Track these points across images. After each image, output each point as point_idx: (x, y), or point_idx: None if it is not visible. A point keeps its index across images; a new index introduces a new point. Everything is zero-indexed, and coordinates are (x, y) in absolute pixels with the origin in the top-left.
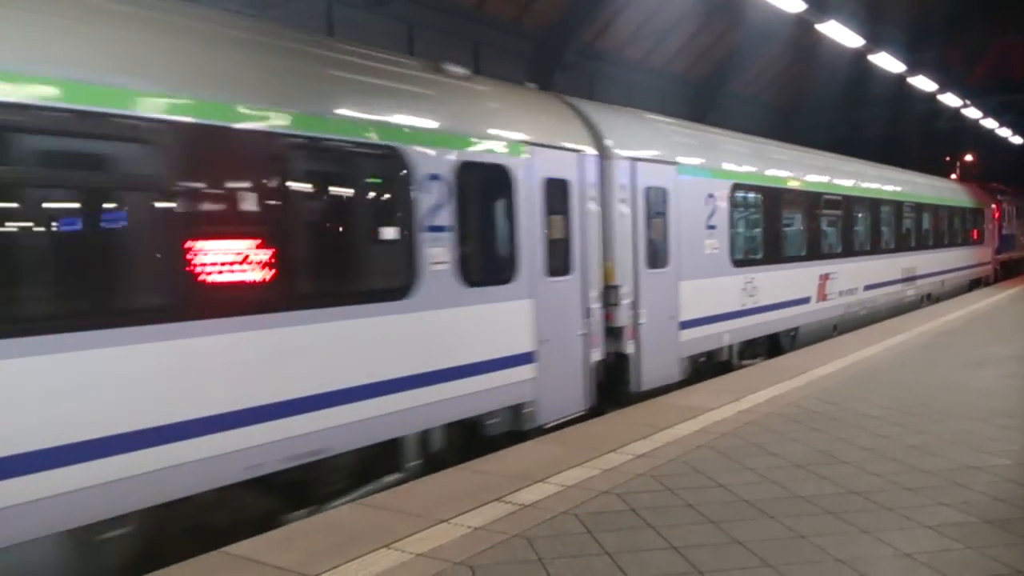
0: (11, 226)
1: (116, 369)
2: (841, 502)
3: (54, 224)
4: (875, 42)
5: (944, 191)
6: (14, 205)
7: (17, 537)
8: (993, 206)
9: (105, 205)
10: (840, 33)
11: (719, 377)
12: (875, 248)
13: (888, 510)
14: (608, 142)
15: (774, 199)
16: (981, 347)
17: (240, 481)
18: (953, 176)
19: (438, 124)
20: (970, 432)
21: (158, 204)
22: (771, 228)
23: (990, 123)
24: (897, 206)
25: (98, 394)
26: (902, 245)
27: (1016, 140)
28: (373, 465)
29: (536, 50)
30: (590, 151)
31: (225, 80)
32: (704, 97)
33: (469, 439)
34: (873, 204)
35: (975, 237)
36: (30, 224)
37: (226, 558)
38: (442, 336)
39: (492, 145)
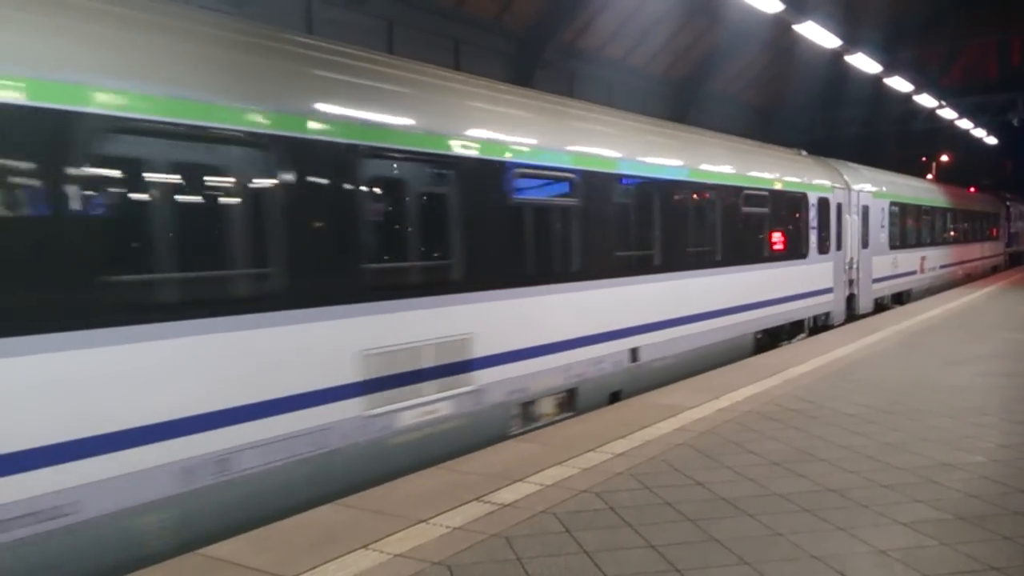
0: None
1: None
2: (817, 499)
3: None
4: (852, 43)
5: (975, 200)
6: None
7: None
8: (1005, 209)
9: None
10: (817, 34)
11: (697, 376)
12: (946, 242)
13: (864, 507)
14: (847, 180)
15: (905, 211)
16: (957, 345)
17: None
18: (929, 176)
19: (807, 181)
20: (945, 430)
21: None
22: (903, 227)
23: (965, 124)
24: (958, 212)
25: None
26: (958, 239)
27: (991, 140)
28: (789, 336)
29: (517, 49)
30: (843, 188)
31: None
32: (684, 97)
33: (811, 330)
34: (946, 212)
35: (994, 234)
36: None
37: (203, 560)
38: (814, 277)
39: (824, 189)
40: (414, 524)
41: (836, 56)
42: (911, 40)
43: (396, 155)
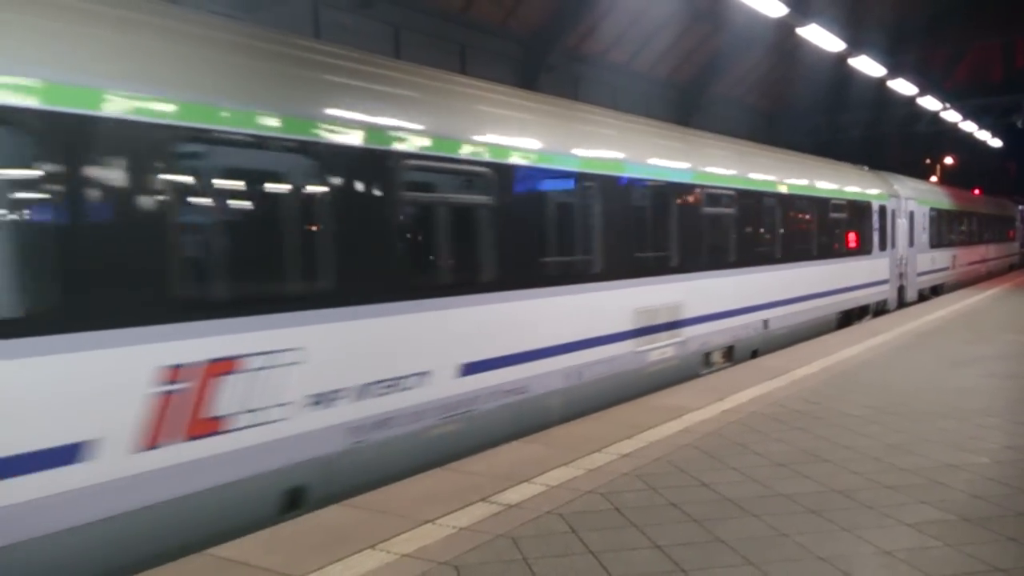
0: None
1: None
2: (823, 500)
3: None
4: (856, 46)
5: (995, 205)
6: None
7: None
8: (1019, 213)
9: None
10: (821, 37)
11: (704, 376)
12: (972, 242)
13: (868, 508)
14: (897, 190)
15: (941, 215)
16: (963, 346)
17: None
18: (934, 178)
19: (871, 192)
20: (950, 431)
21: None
22: (940, 229)
23: (969, 126)
24: (982, 217)
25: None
26: (982, 240)
27: (995, 143)
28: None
29: (522, 53)
30: (895, 196)
31: None
32: (688, 100)
33: (874, 313)
34: (972, 216)
35: (1011, 236)
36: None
37: (212, 560)
38: (876, 270)
39: (883, 198)
40: (421, 524)
41: (840, 59)
42: (915, 43)
43: (660, 186)
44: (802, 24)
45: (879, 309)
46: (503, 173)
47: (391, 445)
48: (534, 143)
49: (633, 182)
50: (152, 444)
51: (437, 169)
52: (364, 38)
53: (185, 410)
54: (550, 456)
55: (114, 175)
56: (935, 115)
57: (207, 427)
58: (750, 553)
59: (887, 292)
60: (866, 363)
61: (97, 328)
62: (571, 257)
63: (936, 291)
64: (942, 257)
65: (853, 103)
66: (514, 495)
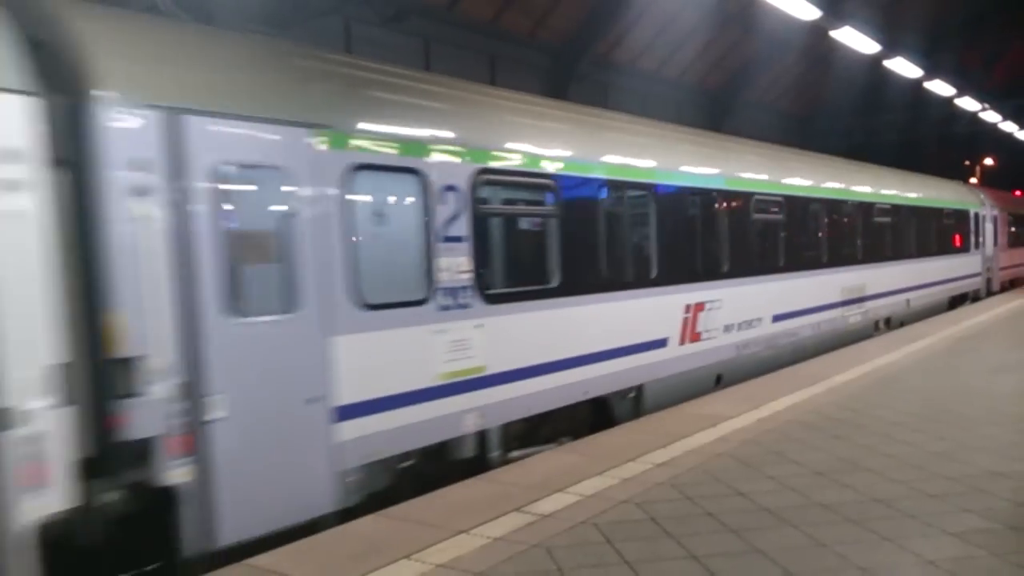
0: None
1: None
2: (863, 510)
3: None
4: (891, 47)
5: None
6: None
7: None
8: None
9: None
10: (855, 39)
11: (738, 385)
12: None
13: (911, 517)
14: (983, 199)
15: (1016, 219)
16: (1004, 352)
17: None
18: (973, 180)
19: (968, 200)
20: (993, 438)
21: None
22: (1015, 232)
23: (1009, 126)
24: None
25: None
26: None
27: None
28: (959, 302)
29: (551, 63)
30: (982, 204)
31: None
32: (719, 106)
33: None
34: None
35: None
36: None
37: (248, 570)
38: (972, 264)
39: (975, 206)
40: (455, 535)
41: (874, 61)
42: (952, 43)
43: (856, 204)
44: (836, 27)
45: (974, 296)
46: (788, 198)
47: (749, 357)
48: (803, 182)
49: (843, 204)
50: (682, 342)
51: (770, 198)
52: (395, 52)
53: (690, 326)
54: (584, 465)
55: (681, 211)
56: (974, 116)
57: (696, 336)
58: (789, 563)
59: (979, 283)
60: (906, 369)
61: (663, 284)
62: (814, 252)
63: (1013, 284)
64: (1019, 255)
65: (888, 105)
66: (548, 505)
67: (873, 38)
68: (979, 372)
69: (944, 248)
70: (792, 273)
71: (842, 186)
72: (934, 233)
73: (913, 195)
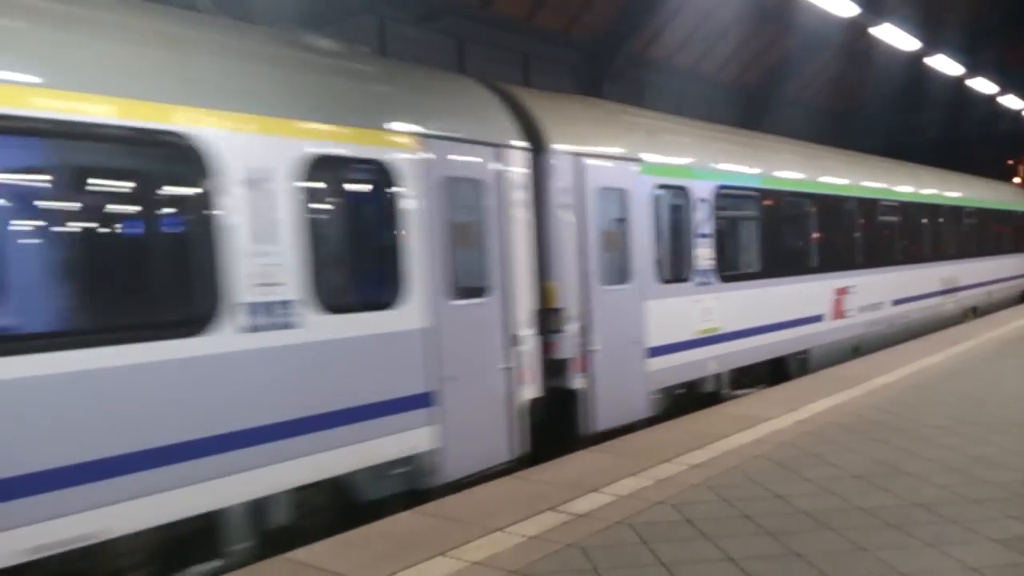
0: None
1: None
2: (904, 514)
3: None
4: (932, 44)
5: None
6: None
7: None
8: None
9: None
10: (895, 36)
11: (776, 387)
12: None
13: (953, 523)
14: None
15: None
16: None
17: None
18: (1017, 180)
19: (1000, 198)
20: None
21: None
22: None
23: None
24: None
25: None
26: None
27: None
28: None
29: (585, 61)
30: None
31: None
32: (756, 104)
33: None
34: None
35: None
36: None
37: (287, 564)
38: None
39: None
40: (490, 532)
41: (915, 58)
42: (994, 40)
43: (972, 210)
44: (875, 24)
45: None
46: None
47: (875, 333)
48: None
49: (940, 208)
50: (833, 319)
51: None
52: (428, 50)
53: (838, 305)
54: (619, 466)
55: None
56: (1017, 114)
57: (841, 314)
58: (829, 568)
59: None
60: (948, 372)
61: (821, 271)
62: (921, 248)
63: None
64: None
65: (929, 103)
66: (583, 504)
67: (913, 35)
68: (1021, 375)
69: (1019, 246)
70: (906, 266)
71: (936, 191)
72: (1010, 233)
73: (992, 199)
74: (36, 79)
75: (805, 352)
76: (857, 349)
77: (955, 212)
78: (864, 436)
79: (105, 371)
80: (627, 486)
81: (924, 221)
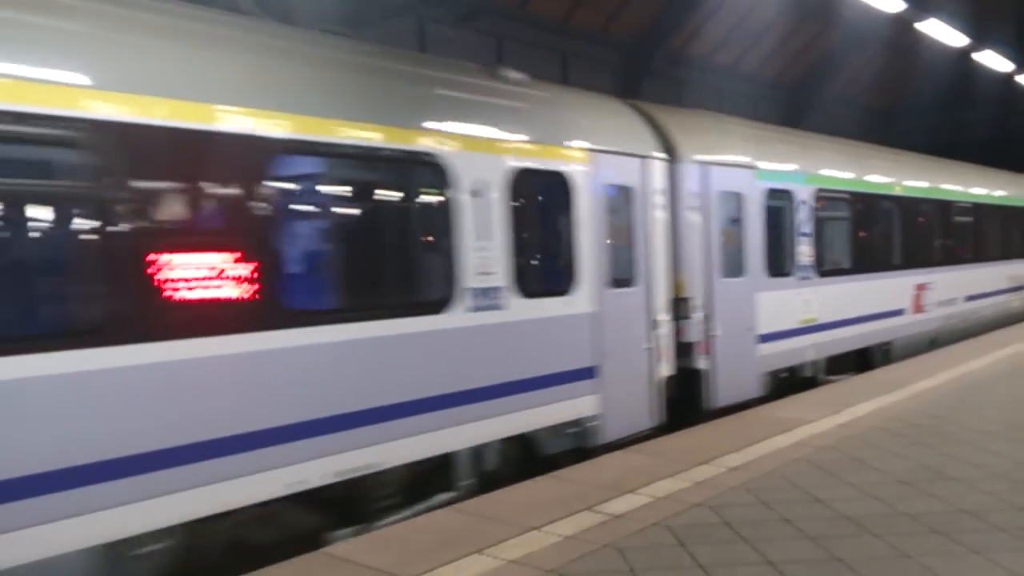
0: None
1: None
2: (950, 520)
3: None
4: (980, 40)
5: None
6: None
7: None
8: None
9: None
10: (942, 32)
11: (816, 389)
12: None
13: (1001, 530)
14: None
15: None
16: None
17: None
18: None
19: None
20: None
21: None
22: None
23: None
24: None
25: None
26: None
27: None
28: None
29: (624, 59)
30: None
31: None
32: (798, 101)
33: None
34: None
35: None
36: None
37: (326, 558)
38: None
39: None
40: (526, 531)
41: (962, 54)
42: None
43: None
44: (921, 19)
45: None
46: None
47: (950, 327)
48: None
49: (1005, 208)
50: (913, 313)
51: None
52: (467, 50)
53: (917, 300)
54: (656, 467)
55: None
56: None
57: (920, 308)
58: (871, 573)
59: None
60: (995, 375)
61: (903, 268)
62: (990, 247)
63: None
64: None
65: (978, 100)
66: (620, 505)
67: (960, 30)
68: None
69: None
70: (978, 264)
71: (1005, 193)
72: None
73: None
74: (360, 116)
75: (888, 343)
76: (934, 342)
77: (1021, 213)
78: (908, 440)
79: (381, 339)
80: (664, 488)
81: (994, 221)
